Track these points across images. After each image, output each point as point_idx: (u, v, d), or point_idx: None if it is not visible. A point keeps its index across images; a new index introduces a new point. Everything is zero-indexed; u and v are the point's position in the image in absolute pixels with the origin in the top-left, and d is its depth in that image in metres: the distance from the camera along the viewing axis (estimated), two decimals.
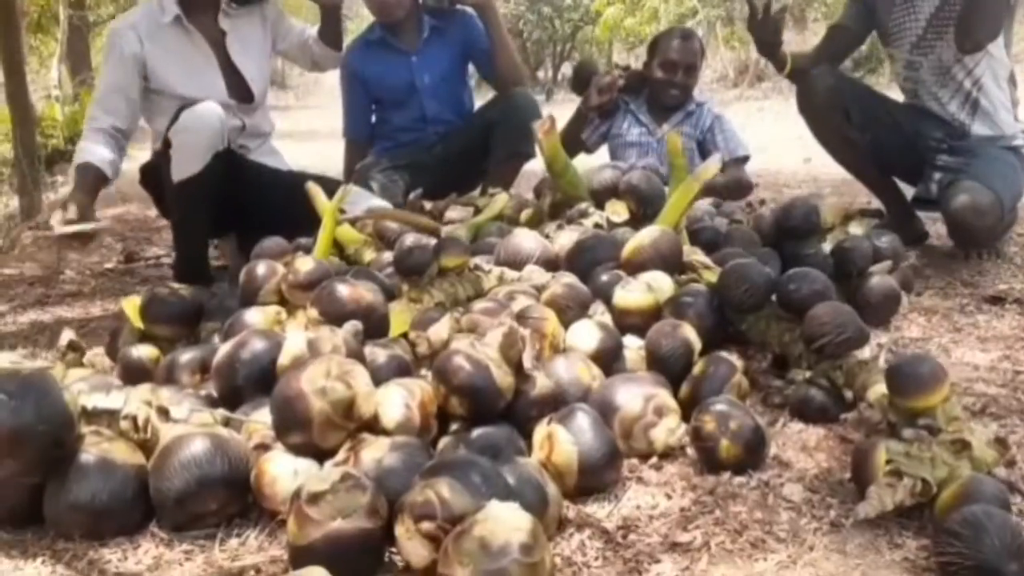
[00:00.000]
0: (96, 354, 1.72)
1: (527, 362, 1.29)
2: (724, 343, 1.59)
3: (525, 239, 1.85)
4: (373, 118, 3.07)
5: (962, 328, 1.96)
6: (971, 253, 2.48)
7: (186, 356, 1.56)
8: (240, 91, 2.53)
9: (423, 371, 1.38)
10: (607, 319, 1.60)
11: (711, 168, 1.98)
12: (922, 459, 1.11)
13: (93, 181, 2.31)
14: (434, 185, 2.68)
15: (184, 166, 2.26)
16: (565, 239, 1.86)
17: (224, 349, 1.40)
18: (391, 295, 1.65)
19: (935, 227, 2.68)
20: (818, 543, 1.10)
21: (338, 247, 2.15)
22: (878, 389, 1.30)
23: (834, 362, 1.42)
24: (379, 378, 1.29)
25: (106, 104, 2.40)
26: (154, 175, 2.45)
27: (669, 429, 1.31)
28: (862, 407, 1.29)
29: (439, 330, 1.47)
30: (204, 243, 2.47)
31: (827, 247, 2.13)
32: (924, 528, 1.11)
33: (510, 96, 2.90)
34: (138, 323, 1.78)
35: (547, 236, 1.93)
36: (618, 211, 2.07)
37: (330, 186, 2.25)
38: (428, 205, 2.43)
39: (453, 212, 2.24)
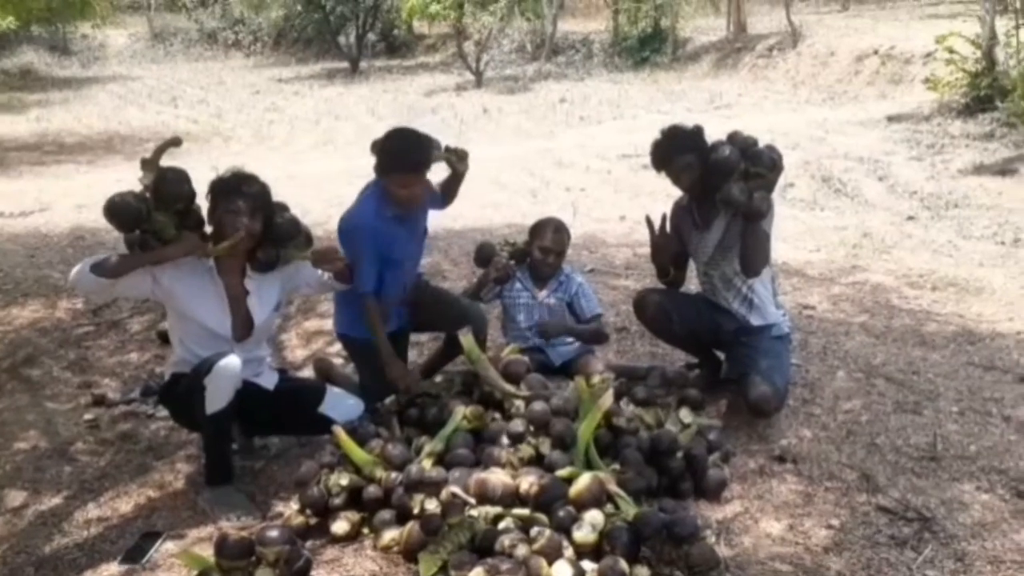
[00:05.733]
0: None
1: None
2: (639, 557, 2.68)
3: (500, 481, 2.86)
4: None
5: (762, 495, 3.16)
6: None
7: None
8: (245, 332, 3.34)
9: None
10: (570, 551, 2.65)
11: (606, 402, 3.08)
12: None
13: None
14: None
15: (215, 403, 3.10)
16: (525, 484, 2.87)
17: None
18: None
19: None
20: None
21: (354, 467, 3.09)
22: None
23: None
24: None
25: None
26: (174, 393, 3.32)
27: None
28: None
29: None
30: (229, 450, 3.30)
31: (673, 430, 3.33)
32: None
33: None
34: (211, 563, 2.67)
35: (513, 476, 2.94)
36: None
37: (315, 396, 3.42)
38: None
39: (427, 445, 3.17)
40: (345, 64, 22.22)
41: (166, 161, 3.29)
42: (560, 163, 10.12)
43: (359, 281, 3.54)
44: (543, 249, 4.09)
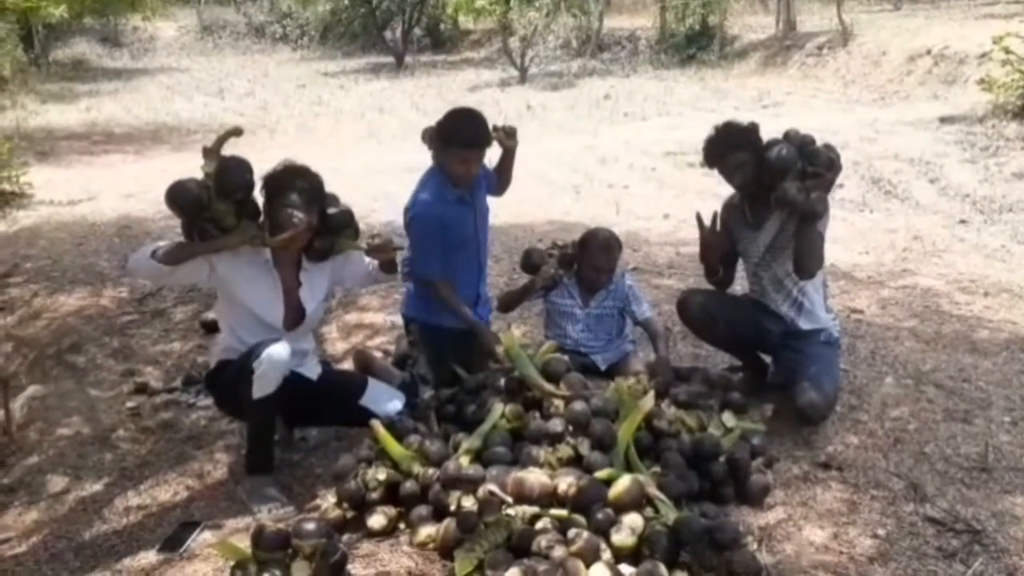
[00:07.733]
0: None
1: None
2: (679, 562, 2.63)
3: (538, 480, 2.83)
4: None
5: (806, 502, 3.09)
6: None
7: None
8: (295, 321, 3.35)
9: None
10: (608, 554, 2.60)
11: (647, 404, 3.03)
12: None
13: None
14: None
15: (263, 388, 3.11)
16: (563, 484, 2.83)
17: None
18: None
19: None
20: None
21: (392, 461, 3.07)
22: None
23: None
24: None
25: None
26: (220, 379, 3.32)
27: None
28: None
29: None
30: (272, 440, 3.31)
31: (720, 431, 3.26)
32: None
33: None
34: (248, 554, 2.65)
35: (552, 476, 2.90)
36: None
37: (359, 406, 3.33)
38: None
39: (465, 442, 3.15)
40: (391, 59, 22.30)
41: None
42: (604, 160, 10.04)
43: (425, 269, 3.62)
44: (595, 268, 3.98)
